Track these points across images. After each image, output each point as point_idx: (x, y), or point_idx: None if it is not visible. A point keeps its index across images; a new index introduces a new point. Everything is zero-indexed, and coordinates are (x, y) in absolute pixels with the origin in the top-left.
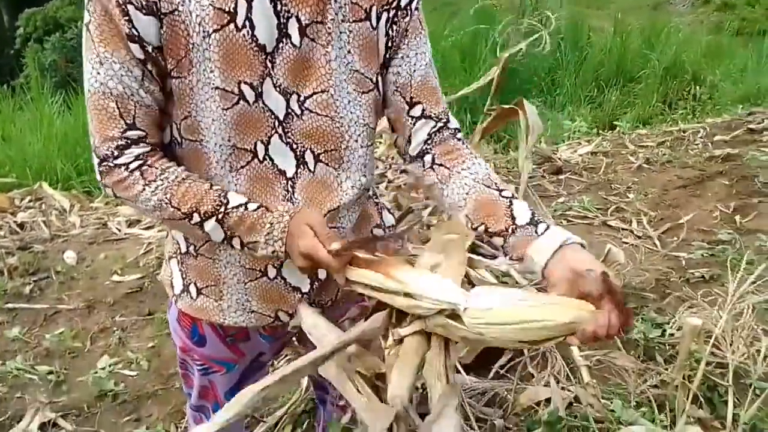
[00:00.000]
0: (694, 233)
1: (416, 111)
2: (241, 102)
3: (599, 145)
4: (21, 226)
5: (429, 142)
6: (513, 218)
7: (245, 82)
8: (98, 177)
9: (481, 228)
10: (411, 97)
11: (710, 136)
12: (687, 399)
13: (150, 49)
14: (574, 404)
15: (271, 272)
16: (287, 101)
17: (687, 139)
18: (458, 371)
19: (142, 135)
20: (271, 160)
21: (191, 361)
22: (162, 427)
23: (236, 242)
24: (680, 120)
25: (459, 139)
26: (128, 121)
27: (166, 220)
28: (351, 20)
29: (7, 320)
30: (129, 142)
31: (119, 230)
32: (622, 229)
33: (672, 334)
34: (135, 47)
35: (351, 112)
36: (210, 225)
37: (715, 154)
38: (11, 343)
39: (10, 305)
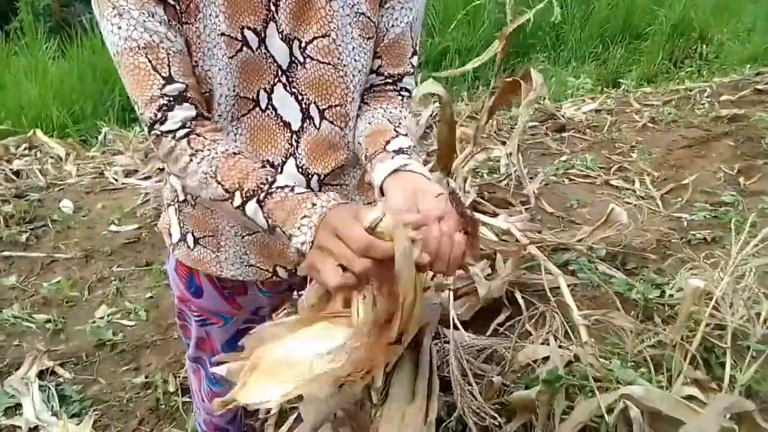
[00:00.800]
0: (698, 194)
1: (374, 64)
2: (245, 49)
3: (603, 102)
4: (17, 173)
5: (368, 90)
6: (385, 145)
7: (249, 28)
8: (155, 150)
9: (366, 154)
10: (376, 51)
11: (716, 95)
12: (684, 360)
13: None
14: (573, 363)
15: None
16: (290, 48)
17: (693, 98)
18: (456, 327)
19: (182, 88)
20: (275, 109)
21: (188, 312)
22: (160, 376)
23: (279, 232)
24: (686, 79)
25: (401, 95)
26: (164, 74)
27: (212, 201)
28: None
29: (4, 268)
30: (171, 101)
31: (116, 180)
32: (625, 188)
33: (671, 295)
34: None
35: (355, 60)
36: (251, 207)
37: (721, 114)
38: (8, 291)
39: (6, 253)
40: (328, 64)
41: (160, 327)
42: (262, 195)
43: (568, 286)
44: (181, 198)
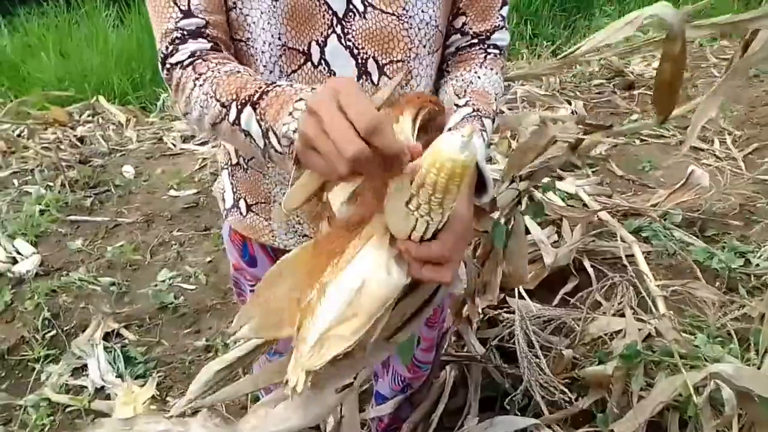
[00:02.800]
0: None
1: (458, 22)
2: None
3: None
4: (80, 139)
5: (453, 55)
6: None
7: None
8: (169, 89)
9: None
10: (458, 7)
11: None
12: None
13: None
14: (652, 337)
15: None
16: None
17: None
18: (521, 297)
19: (201, 24)
20: (328, 65)
21: (244, 281)
22: (221, 340)
23: (273, 140)
24: None
25: (487, 52)
26: (183, 7)
27: (214, 126)
28: None
29: (70, 232)
30: (185, 34)
31: (174, 145)
32: (703, 149)
33: (757, 265)
34: None
35: (422, 11)
36: (246, 115)
37: None
38: (75, 254)
39: (72, 217)
40: (392, 14)
41: (219, 291)
42: (257, 96)
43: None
44: (234, 161)
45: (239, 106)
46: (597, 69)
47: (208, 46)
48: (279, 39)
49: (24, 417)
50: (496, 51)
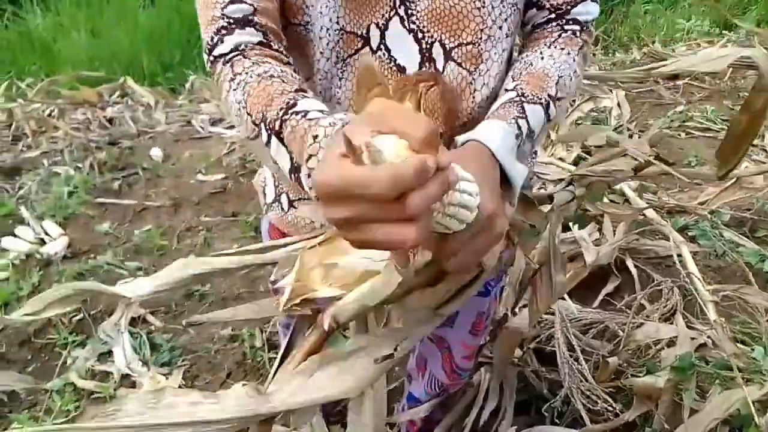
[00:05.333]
0: None
1: None
2: None
3: (723, 46)
4: (110, 120)
5: (531, 34)
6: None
7: None
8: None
9: None
10: None
11: None
12: None
13: None
14: (705, 347)
15: None
16: None
17: None
18: (562, 298)
19: (248, 11)
20: (388, 51)
21: None
22: (247, 330)
23: (303, 173)
24: None
25: (564, 29)
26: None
27: (251, 143)
28: None
29: (98, 214)
30: (232, 23)
31: (203, 128)
32: (754, 145)
33: None
34: None
35: None
36: (274, 145)
37: None
38: (102, 237)
39: (100, 200)
40: None
41: (246, 279)
42: (278, 124)
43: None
44: None
45: (268, 131)
46: (639, 57)
47: (255, 38)
48: (337, 23)
49: (49, 402)
50: (576, 27)
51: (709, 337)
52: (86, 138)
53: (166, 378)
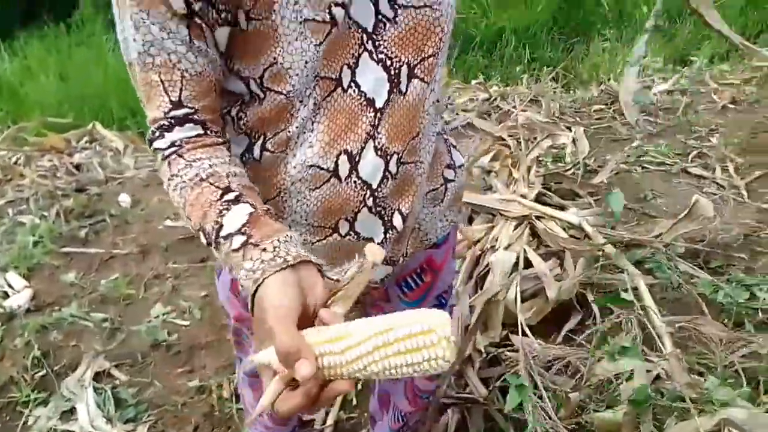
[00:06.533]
0: None
1: None
2: (333, 29)
3: (676, 82)
4: (77, 167)
5: None
6: None
7: (335, 3)
8: None
9: None
10: None
11: None
12: None
13: None
14: (661, 379)
15: (343, 227)
16: (376, 4)
17: None
18: (525, 334)
19: (189, 113)
20: (358, 87)
21: (248, 331)
22: (215, 381)
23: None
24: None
25: None
26: (173, 98)
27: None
28: None
29: (64, 264)
30: (172, 122)
31: None
32: (705, 177)
33: (764, 299)
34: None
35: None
36: (215, 253)
37: None
38: (68, 287)
39: (66, 249)
40: (424, 6)
41: (214, 327)
42: (213, 244)
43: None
44: None
45: (206, 241)
46: (596, 94)
47: (193, 132)
48: (314, 74)
49: None
50: None
51: (663, 369)
52: (53, 185)
53: None
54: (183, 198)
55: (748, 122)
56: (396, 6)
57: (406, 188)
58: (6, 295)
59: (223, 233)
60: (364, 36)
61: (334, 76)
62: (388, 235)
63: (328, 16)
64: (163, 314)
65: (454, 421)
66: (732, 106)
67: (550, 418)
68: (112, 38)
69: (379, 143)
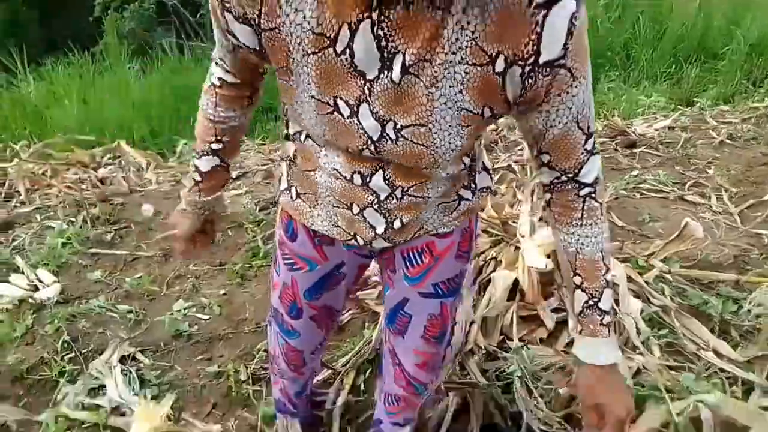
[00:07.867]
0: None
1: (544, 158)
2: (336, 114)
3: (677, 120)
4: (102, 180)
5: (549, 187)
6: (576, 287)
7: (341, 98)
8: None
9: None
10: (540, 148)
11: None
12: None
13: (248, 46)
14: (642, 372)
15: (355, 209)
16: (383, 126)
17: None
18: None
19: (227, 68)
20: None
21: (281, 256)
22: (232, 367)
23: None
24: (766, 97)
25: (580, 196)
26: (221, 55)
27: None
28: (470, 63)
29: (90, 263)
30: (218, 64)
31: None
32: (700, 204)
33: (749, 311)
34: (233, 40)
35: (450, 143)
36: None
37: None
38: (94, 284)
39: (92, 250)
40: (422, 145)
41: (232, 322)
42: (194, 162)
43: None
44: (291, 158)
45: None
46: (601, 128)
47: (230, 78)
48: (324, 136)
49: None
50: (590, 189)
51: (643, 365)
52: (80, 195)
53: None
54: (198, 119)
55: (743, 157)
56: (399, 134)
57: (410, 207)
58: (36, 288)
59: (196, 163)
60: (369, 140)
61: (343, 148)
62: (388, 233)
63: (332, 102)
64: (184, 309)
65: (454, 403)
66: (729, 141)
67: (541, 410)
68: (136, 66)
69: (387, 174)
